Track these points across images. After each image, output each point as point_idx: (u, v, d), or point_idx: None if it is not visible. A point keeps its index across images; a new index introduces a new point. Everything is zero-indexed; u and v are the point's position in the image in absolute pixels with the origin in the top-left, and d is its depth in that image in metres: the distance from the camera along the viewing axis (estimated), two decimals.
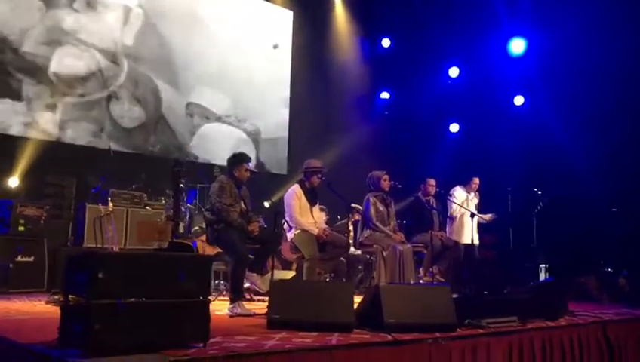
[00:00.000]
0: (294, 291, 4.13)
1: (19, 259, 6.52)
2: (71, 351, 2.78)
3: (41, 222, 6.87)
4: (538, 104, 9.97)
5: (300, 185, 5.99)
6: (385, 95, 11.89)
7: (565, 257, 8.21)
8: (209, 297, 3.22)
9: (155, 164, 8.52)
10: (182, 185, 7.64)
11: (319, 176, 5.90)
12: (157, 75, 9.19)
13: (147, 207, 7.60)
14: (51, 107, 8.04)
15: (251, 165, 5.46)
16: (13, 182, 7.43)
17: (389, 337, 3.73)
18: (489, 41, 10.41)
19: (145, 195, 7.77)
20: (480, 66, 10.61)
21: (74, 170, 7.98)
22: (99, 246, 6.82)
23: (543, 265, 8.70)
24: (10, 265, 6.42)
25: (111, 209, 6.77)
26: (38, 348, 2.92)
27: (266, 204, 9.30)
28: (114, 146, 8.13)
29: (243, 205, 5.34)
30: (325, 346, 3.39)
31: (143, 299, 2.91)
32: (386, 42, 11.78)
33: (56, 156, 7.84)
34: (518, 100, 10.42)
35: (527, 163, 9.51)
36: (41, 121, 7.95)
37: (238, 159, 5.40)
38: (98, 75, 8.52)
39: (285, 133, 10.79)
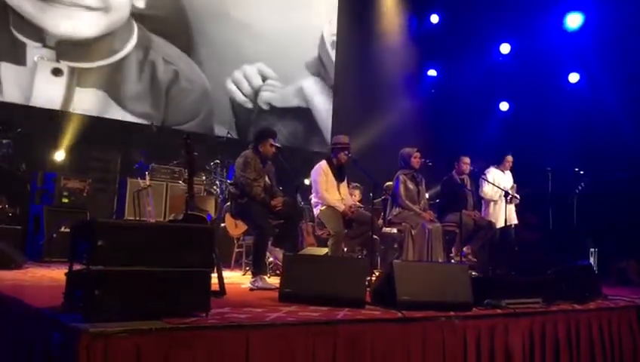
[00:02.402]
0: (308, 265, 4.13)
1: (62, 229, 6.75)
2: (73, 315, 2.88)
3: (85, 194, 7.12)
4: (595, 81, 9.56)
5: (328, 162, 5.97)
6: (432, 72, 11.64)
7: (609, 240, 7.90)
8: (210, 268, 3.24)
9: (197, 139, 8.64)
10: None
11: (346, 152, 5.86)
12: (174, 44, 8.91)
13: (182, 182, 7.74)
14: (57, 72, 7.86)
15: (277, 141, 5.46)
16: (59, 155, 7.70)
17: (399, 314, 3.69)
18: (542, 16, 10.02)
19: (185, 170, 7.91)
20: (532, 42, 10.24)
21: (120, 144, 8.22)
22: (137, 219, 7.03)
23: (593, 249, 8.40)
24: (54, 235, 6.67)
25: (148, 183, 6.94)
26: (46, 312, 3.04)
27: (307, 182, 9.33)
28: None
29: (267, 180, 5.38)
30: (329, 321, 3.38)
31: (144, 267, 2.97)
32: (434, 18, 11.52)
33: (101, 131, 8.09)
34: (573, 78, 10.00)
35: (580, 142, 9.17)
36: (46, 88, 7.77)
37: (264, 134, 5.44)
38: (106, 39, 8.26)
39: (329, 111, 10.74)
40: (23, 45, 7.64)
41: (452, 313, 3.85)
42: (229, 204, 6.59)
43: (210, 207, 7.17)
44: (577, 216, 7.91)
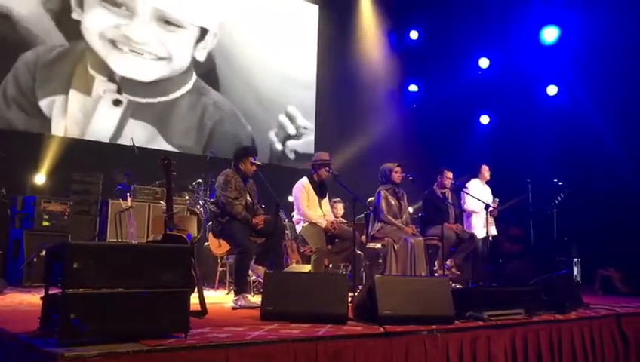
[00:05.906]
0: (288, 283, 4.11)
1: (43, 253, 6.65)
2: (50, 340, 2.84)
3: (65, 217, 7.05)
4: (572, 94, 9.69)
5: (309, 178, 5.98)
6: (413, 88, 11.74)
7: (593, 249, 7.96)
8: (189, 288, 3.22)
9: (180, 160, 8.63)
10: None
11: (327, 168, 5.87)
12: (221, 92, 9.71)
13: (164, 202, 7.68)
14: (117, 103, 8.64)
15: (257, 159, 5.46)
16: (40, 178, 7.64)
17: (381, 329, 3.68)
18: (520, 31, 10.18)
19: None
20: (510, 57, 10.39)
21: (101, 166, 8.16)
22: (119, 240, 6.98)
23: (576, 259, 8.46)
24: (34, 259, 6.59)
25: (129, 204, 6.90)
26: (22, 337, 3.00)
27: (290, 199, 9.32)
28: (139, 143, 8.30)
29: (249, 198, 5.37)
30: (310, 337, 3.35)
31: (120, 289, 2.95)
32: (413, 34, 11.64)
33: (82, 153, 8.05)
34: (551, 90, 10.13)
35: (561, 154, 9.27)
36: (104, 116, 8.52)
37: (244, 152, 5.44)
38: (164, 82, 9.10)
39: (312, 128, 10.78)
40: (92, 78, 8.48)
41: (434, 326, 3.85)
42: (211, 223, 6.60)
43: (193, 227, 7.13)
44: (561, 226, 7.98)
